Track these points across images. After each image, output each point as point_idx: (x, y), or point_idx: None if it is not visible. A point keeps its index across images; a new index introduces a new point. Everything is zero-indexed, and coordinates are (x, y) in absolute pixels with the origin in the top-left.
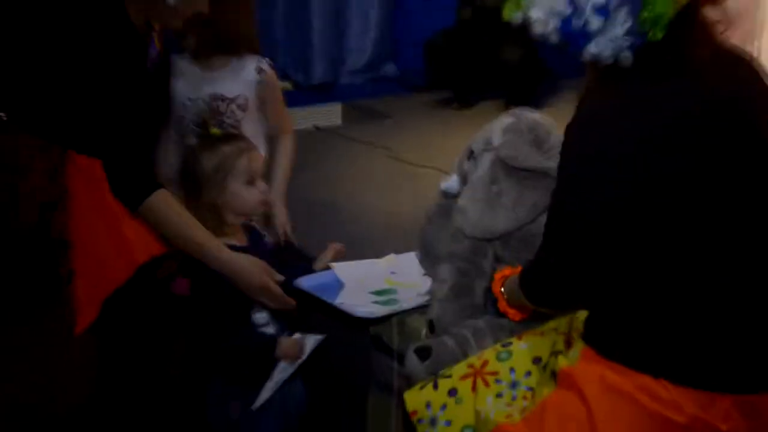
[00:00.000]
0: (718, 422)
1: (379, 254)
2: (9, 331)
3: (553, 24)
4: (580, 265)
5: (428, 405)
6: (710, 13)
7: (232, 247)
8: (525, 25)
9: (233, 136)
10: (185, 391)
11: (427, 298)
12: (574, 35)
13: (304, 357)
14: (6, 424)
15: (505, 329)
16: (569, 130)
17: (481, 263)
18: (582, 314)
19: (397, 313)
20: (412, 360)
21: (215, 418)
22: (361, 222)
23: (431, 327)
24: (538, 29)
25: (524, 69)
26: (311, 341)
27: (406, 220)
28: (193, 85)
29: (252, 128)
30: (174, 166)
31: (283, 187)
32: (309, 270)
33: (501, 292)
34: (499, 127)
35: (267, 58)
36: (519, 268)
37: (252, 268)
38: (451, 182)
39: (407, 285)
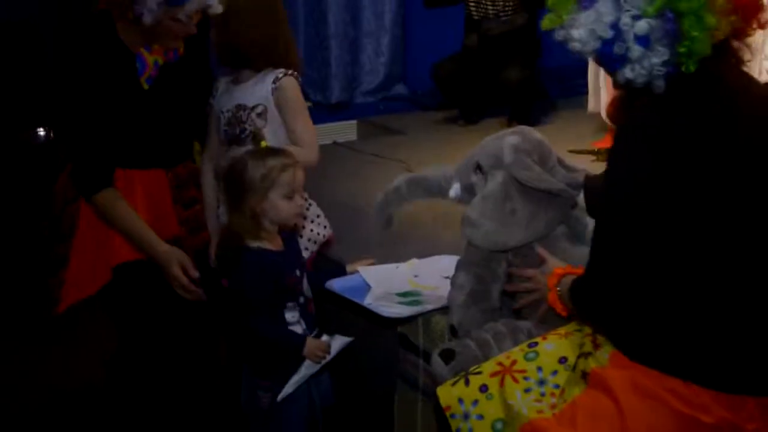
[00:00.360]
0: (744, 423)
1: (399, 257)
2: None
3: (592, 45)
4: (627, 281)
5: (461, 400)
6: (737, 44)
7: (266, 251)
8: (535, 49)
9: (281, 151)
10: (224, 378)
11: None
12: (611, 58)
13: (329, 357)
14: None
15: (522, 331)
16: (618, 153)
17: (496, 269)
18: None
19: (421, 314)
20: (437, 362)
21: (247, 406)
22: (377, 229)
23: (453, 331)
24: (576, 47)
25: (523, 90)
26: (338, 343)
27: (422, 225)
28: (225, 98)
29: (273, 136)
30: (223, 170)
31: None
32: (340, 273)
33: (556, 287)
34: (507, 146)
35: (293, 72)
36: (573, 269)
37: (171, 260)
38: (455, 189)
39: (429, 288)
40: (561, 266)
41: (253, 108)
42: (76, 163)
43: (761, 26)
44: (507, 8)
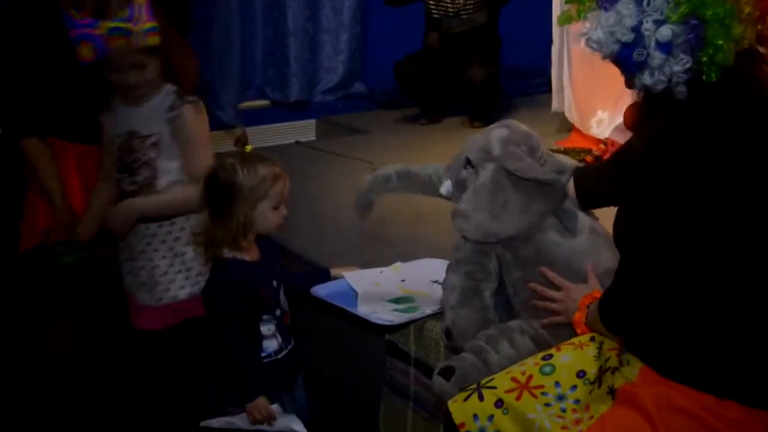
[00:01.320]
0: None
1: (371, 258)
2: None
3: (611, 48)
4: (658, 296)
5: (475, 416)
6: (763, 49)
7: (242, 262)
8: (497, 47)
9: (269, 160)
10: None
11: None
12: (630, 63)
13: (267, 428)
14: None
15: (514, 330)
16: (657, 153)
17: (486, 264)
18: None
19: (415, 321)
20: (438, 381)
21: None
22: (349, 230)
23: (448, 334)
24: (593, 47)
25: (486, 89)
26: (285, 423)
27: (392, 225)
28: (120, 119)
29: (167, 167)
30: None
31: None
32: (324, 277)
33: (587, 306)
34: (496, 139)
35: (194, 98)
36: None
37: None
38: (447, 186)
39: (422, 293)
40: (600, 290)
41: (147, 137)
42: (8, 108)
43: None
44: (468, 6)
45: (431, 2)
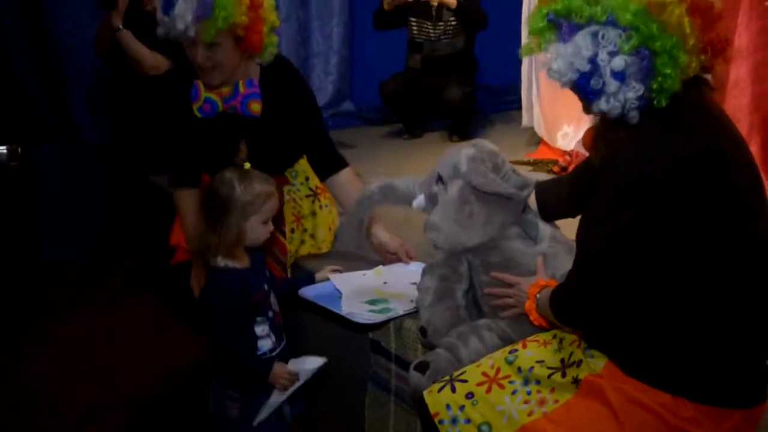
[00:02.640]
0: None
1: (358, 265)
2: None
3: (570, 77)
4: (609, 294)
5: (448, 407)
6: (706, 76)
7: (233, 270)
8: (473, 69)
9: (265, 178)
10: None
11: (415, 305)
12: (587, 90)
13: (298, 384)
14: None
15: (483, 327)
16: (615, 173)
17: (458, 268)
18: None
19: (392, 319)
20: (415, 375)
21: (216, 417)
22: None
23: (423, 332)
24: (553, 77)
25: (463, 107)
26: (308, 368)
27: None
28: None
29: None
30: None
31: None
32: (309, 281)
33: (536, 296)
34: (464, 157)
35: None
36: (557, 282)
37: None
38: (419, 200)
39: (397, 295)
40: (546, 279)
41: None
42: (165, 164)
43: (727, 62)
44: (448, 31)
45: (414, 28)
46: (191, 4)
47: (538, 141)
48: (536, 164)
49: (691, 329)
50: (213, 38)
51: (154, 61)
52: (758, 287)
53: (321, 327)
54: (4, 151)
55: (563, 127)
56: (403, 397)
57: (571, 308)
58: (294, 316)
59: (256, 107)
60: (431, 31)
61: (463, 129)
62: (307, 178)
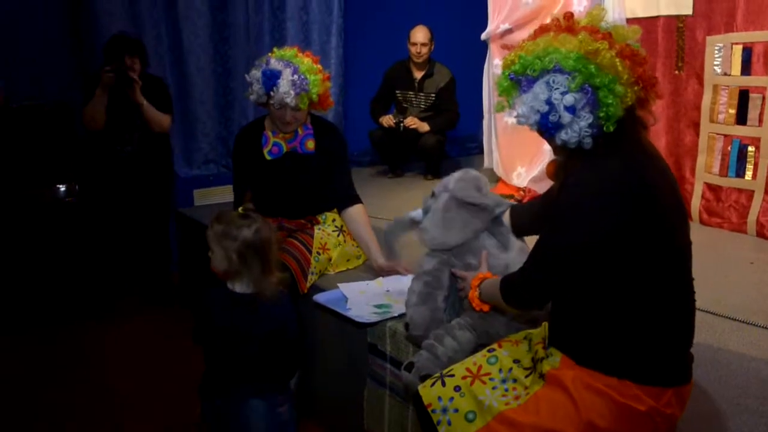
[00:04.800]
0: (666, 409)
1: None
2: None
3: (533, 118)
4: (554, 282)
5: (439, 398)
6: (642, 113)
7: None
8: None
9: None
10: None
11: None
12: (548, 126)
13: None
14: None
15: (455, 327)
16: (567, 192)
17: (440, 277)
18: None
19: (387, 319)
20: (405, 375)
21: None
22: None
23: (406, 326)
24: (521, 121)
25: (436, 152)
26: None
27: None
28: None
29: None
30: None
31: None
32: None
33: (477, 286)
34: (453, 178)
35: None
36: (493, 276)
37: None
38: (417, 212)
39: (399, 301)
40: (484, 273)
41: None
42: (234, 199)
43: (658, 96)
44: (427, 111)
45: (400, 102)
46: (292, 84)
47: (496, 179)
48: None
49: (630, 324)
50: (305, 106)
51: (168, 120)
52: (682, 289)
53: (329, 333)
54: (63, 188)
55: (517, 168)
56: (397, 392)
57: (519, 290)
58: (310, 323)
59: (310, 144)
60: (413, 109)
61: (435, 170)
62: (333, 220)
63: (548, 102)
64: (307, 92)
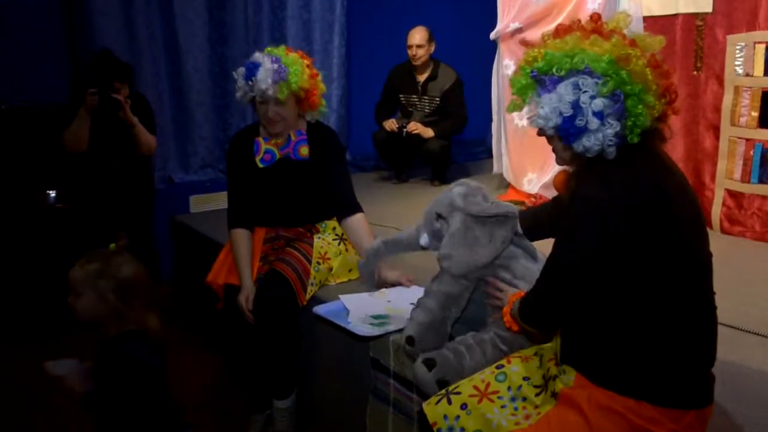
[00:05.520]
0: (685, 431)
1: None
2: None
3: (554, 121)
4: (570, 301)
5: (445, 417)
6: (661, 125)
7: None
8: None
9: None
10: None
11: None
12: (570, 131)
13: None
14: None
15: (486, 342)
16: (579, 204)
17: (459, 302)
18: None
19: (390, 332)
20: (420, 369)
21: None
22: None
23: (410, 341)
24: (539, 123)
25: (441, 156)
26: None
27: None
28: None
29: None
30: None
31: None
32: None
33: (513, 302)
34: (456, 195)
35: None
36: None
37: (243, 291)
38: (425, 239)
39: (398, 311)
40: (523, 291)
41: None
42: (228, 208)
43: (674, 112)
44: (431, 115)
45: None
46: (270, 71)
47: (506, 185)
48: None
49: (648, 341)
50: (285, 97)
51: (155, 142)
52: (702, 304)
53: (330, 347)
54: (53, 194)
55: (528, 174)
56: (401, 409)
57: (534, 310)
58: (311, 336)
59: (304, 150)
60: (418, 113)
61: (442, 175)
62: (334, 228)
63: (575, 105)
64: (285, 81)
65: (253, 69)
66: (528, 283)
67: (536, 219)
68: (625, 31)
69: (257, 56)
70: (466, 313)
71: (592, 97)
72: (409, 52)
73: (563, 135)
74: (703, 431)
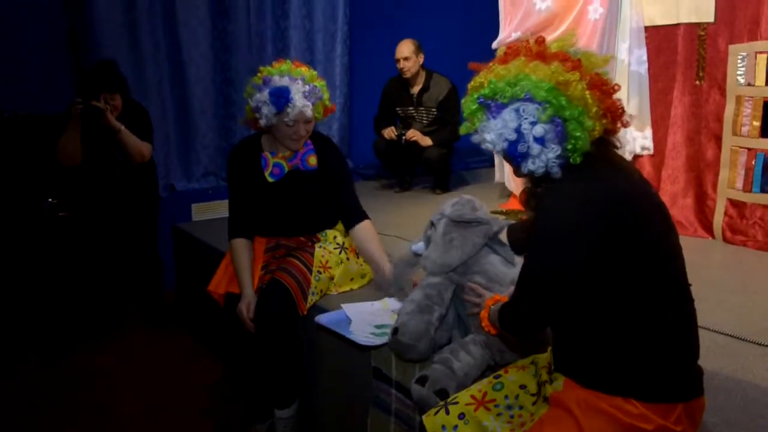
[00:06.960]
0: (675, 426)
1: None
2: None
3: (501, 146)
4: (543, 312)
5: (443, 427)
6: (610, 138)
7: None
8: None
9: None
10: None
11: None
12: (515, 155)
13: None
14: None
15: (470, 343)
16: (541, 218)
17: (442, 294)
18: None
19: (383, 345)
20: (416, 389)
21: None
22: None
23: (395, 331)
24: (488, 147)
25: (440, 165)
26: None
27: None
28: None
29: None
30: None
31: None
32: None
33: (490, 307)
34: (448, 204)
35: None
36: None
37: (244, 300)
38: (419, 245)
39: None
40: (502, 296)
41: None
42: (229, 218)
43: (624, 125)
44: (431, 125)
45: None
46: (305, 94)
47: (508, 194)
48: (508, 213)
49: (627, 339)
50: (320, 114)
51: (148, 148)
52: (677, 298)
53: (331, 356)
54: (55, 202)
55: None
56: (403, 419)
57: (510, 322)
58: (313, 346)
59: (312, 160)
60: (417, 124)
61: (444, 184)
62: (335, 237)
63: (517, 131)
64: (321, 99)
65: (284, 94)
66: (503, 286)
67: (522, 233)
68: (572, 50)
69: (276, 80)
70: (450, 322)
71: (533, 123)
72: (398, 65)
73: (509, 158)
74: (694, 425)
